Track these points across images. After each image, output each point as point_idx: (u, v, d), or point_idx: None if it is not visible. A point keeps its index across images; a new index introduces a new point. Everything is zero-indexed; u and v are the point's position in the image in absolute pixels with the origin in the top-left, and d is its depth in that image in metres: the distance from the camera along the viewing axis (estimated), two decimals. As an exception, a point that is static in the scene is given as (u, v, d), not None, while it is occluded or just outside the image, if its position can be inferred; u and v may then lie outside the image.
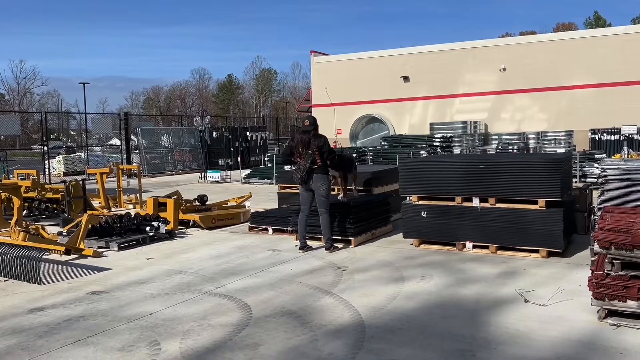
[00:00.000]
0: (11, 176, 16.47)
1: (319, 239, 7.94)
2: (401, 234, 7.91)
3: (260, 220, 9.34)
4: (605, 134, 20.74)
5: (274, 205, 10.84)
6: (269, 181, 18.28)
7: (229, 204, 11.09)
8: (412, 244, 7.73)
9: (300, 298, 5.50)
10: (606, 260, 4.52)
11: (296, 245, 7.80)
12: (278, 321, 4.86)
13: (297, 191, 10.03)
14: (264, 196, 14.07)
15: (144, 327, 4.79)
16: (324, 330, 4.61)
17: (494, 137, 23.59)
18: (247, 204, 11.18)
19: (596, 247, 4.58)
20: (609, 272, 4.50)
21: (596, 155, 14.94)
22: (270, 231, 9.03)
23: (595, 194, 7.60)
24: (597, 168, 12.86)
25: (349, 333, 4.53)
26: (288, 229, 8.70)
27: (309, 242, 7.73)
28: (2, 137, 44.03)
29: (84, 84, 49.86)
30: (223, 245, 8.33)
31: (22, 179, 13.13)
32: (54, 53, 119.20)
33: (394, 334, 4.48)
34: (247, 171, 20.38)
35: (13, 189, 9.45)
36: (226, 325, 4.78)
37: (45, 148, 22.09)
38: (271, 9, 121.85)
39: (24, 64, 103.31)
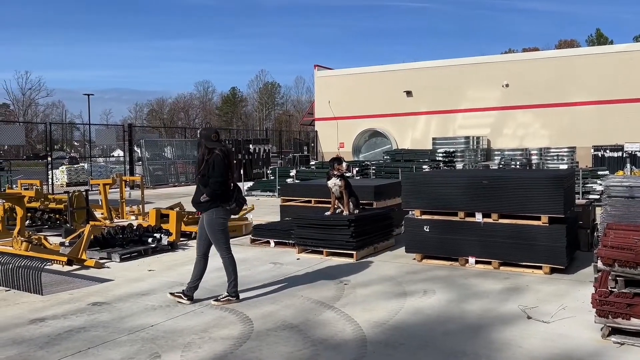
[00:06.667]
0: (14, 186, 16.49)
1: (320, 252, 7.96)
2: (403, 249, 7.89)
3: (262, 233, 9.34)
4: (607, 151, 20.78)
5: (276, 218, 10.84)
6: (271, 194, 18.29)
7: (231, 217, 11.07)
8: (414, 259, 7.70)
9: (302, 312, 5.48)
10: (610, 278, 4.51)
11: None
12: (279, 335, 4.84)
13: (300, 204, 10.09)
14: (266, 209, 14.07)
15: (145, 339, 4.77)
16: (326, 344, 4.59)
17: (496, 152, 23.62)
18: (249, 216, 11.17)
19: (599, 264, 4.57)
20: (613, 290, 4.48)
21: (599, 172, 14.93)
22: (272, 244, 9.02)
23: (598, 210, 7.59)
24: (600, 185, 12.85)
25: (350, 348, 4.51)
26: (290, 241, 8.68)
27: (310, 255, 7.65)
28: (7, 147, 44.22)
29: (88, 95, 50.27)
30: (225, 257, 8.29)
31: (25, 189, 13.15)
32: (60, 64, 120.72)
33: (396, 350, 4.46)
34: (250, 184, 20.40)
35: (16, 199, 9.47)
36: (227, 339, 4.76)
37: (49, 159, 22.16)
38: (275, 23, 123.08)
39: (30, 75, 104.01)
